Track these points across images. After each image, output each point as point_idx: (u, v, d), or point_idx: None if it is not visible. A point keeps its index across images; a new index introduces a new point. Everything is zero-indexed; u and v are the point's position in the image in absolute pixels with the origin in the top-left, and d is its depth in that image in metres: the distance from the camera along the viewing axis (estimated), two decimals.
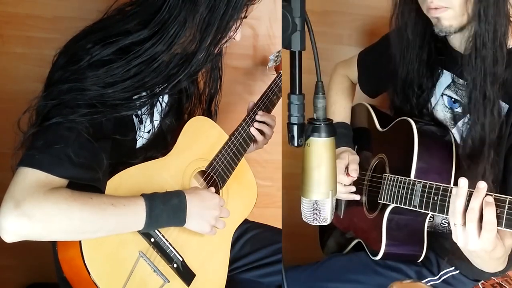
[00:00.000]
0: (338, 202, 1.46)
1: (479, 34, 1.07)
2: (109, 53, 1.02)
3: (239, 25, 1.10)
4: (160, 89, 1.11)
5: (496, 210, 0.92)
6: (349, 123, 1.50)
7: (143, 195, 1.05)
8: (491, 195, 0.93)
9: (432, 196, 1.09)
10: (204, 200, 1.14)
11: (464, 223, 0.94)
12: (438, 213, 1.08)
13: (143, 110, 1.14)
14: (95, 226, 0.97)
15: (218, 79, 1.35)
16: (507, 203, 0.91)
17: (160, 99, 1.20)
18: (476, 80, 1.10)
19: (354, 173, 1.32)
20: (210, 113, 1.37)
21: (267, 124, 1.43)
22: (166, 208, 1.05)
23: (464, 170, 1.14)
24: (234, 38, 1.12)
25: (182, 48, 1.07)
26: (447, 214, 1.02)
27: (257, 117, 1.42)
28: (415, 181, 1.16)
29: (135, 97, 1.07)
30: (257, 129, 1.41)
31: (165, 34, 1.03)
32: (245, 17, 1.10)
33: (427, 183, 1.12)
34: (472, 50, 1.09)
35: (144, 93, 1.09)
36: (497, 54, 1.08)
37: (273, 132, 1.45)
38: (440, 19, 1.12)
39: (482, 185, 0.93)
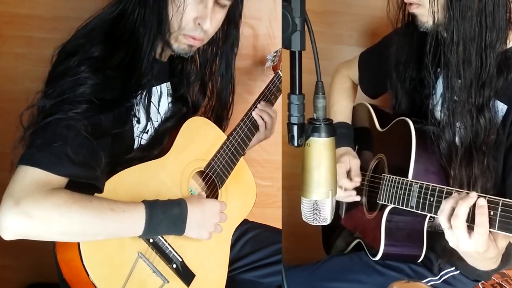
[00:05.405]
0: (339, 202, 1.46)
1: (450, 33, 1.06)
2: (104, 45, 1.04)
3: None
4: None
5: (489, 212, 0.90)
6: (350, 123, 1.50)
7: (144, 202, 1.04)
8: (485, 197, 0.92)
9: (428, 197, 1.08)
10: (205, 209, 1.14)
11: (451, 227, 0.94)
12: (434, 214, 1.07)
13: (140, 107, 1.14)
14: (94, 230, 0.97)
15: (230, 93, 1.36)
16: (500, 205, 0.90)
17: (158, 99, 1.20)
18: (455, 83, 1.09)
19: (357, 178, 1.32)
20: (220, 126, 1.37)
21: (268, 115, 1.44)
22: (166, 217, 1.05)
23: (460, 171, 1.13)
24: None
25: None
26: None
27: (259, 106, 1.43)
28: (412, 182, 1.15)
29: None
30: (258, 115, 1.42)
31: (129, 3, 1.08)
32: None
33: (423, 184, 1.11)
34: (448, 50, 1.08)
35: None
36: (478, 56, 1.05)
37: (274, 123, 1.45)
38: (416, 15, 1.13)
39: (473, 195, 0.92)
